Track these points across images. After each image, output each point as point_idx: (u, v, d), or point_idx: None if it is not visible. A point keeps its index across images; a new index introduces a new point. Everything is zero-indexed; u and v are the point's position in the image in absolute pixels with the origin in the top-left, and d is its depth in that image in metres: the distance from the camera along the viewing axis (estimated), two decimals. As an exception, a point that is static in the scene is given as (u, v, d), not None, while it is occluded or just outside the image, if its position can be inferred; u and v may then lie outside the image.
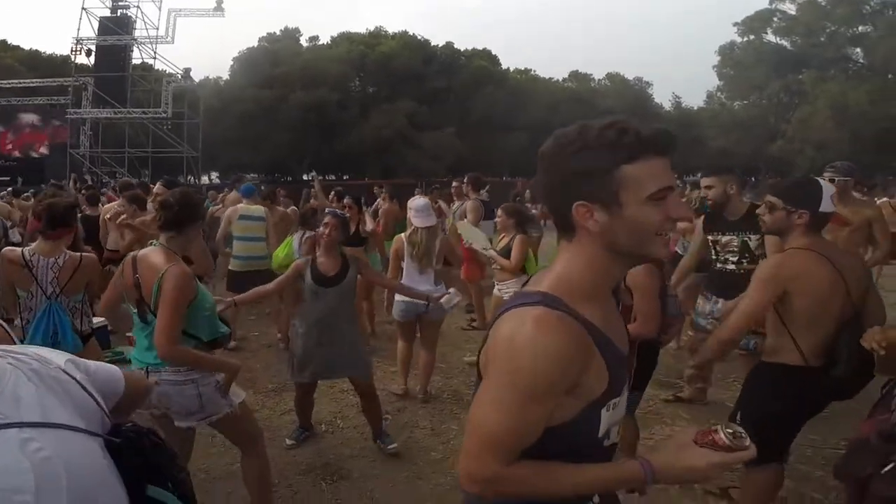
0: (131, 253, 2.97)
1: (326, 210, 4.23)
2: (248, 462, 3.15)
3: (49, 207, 3.41)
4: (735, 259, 4.20)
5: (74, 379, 1.15)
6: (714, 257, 4.38)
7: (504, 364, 1.24)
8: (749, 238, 4.11)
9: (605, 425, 1.31)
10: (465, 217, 7.15)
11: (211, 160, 34.06)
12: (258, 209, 6.76)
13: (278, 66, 37.11)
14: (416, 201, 5.20)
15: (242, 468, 3.17)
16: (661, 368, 5.56)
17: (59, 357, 1.18)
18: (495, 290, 5.61)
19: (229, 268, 6.72)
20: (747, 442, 1.23)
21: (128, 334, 6.26)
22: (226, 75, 40.65)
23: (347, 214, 4.22)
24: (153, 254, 2.82)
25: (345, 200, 7.01)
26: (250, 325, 7.47)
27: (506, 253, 5.42)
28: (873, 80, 35.19)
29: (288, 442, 4.27)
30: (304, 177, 34.44)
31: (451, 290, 4.54)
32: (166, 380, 2.76)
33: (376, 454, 4.16)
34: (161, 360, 2.73)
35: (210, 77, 39.85)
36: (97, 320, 4.59)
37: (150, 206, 5.92)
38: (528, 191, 11.80)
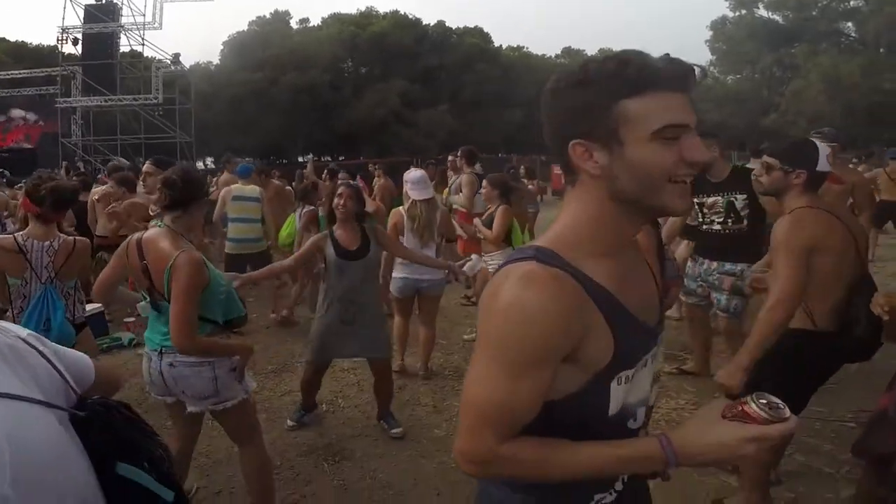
0: (135, 234, 2.82)
1: (339, 181, 4.11)
2: (248, 453, 3.01)
3: (55, 190, 3.28)
4: (721, 220, 4.27)
5: (35, 349, 1.07)
6: (700, 220, 4.44)
7: (489, 330, 1.12)
8: (735, 198, 4.17)
9: (616, 402, 1.16)
10: (461, 191, 7.09)
11: (205, 145, 33.74)
12: (253, 189, 6.62)
13: (269, 48, 36.79)
14: (412, 174, 5.07)
15: (242, 461, 3.05)
16: (663, 341, 5.58)
17: (21, 330, 1.11)
18: (482, 263, 5.56)
19: (226, 251, 6.61)
20: (786, 412, 1.05)
21: (125, 320, 6.29)
22: (216, 60, 40.36)
23: (361, 184, 4.15)
24: (160, 238, 2.68)
25: (339, 176, 6.90)
26: (248, 307, 7.33)
27: (489, 223, 5.34)
28: (865, 53, 34.98)
29: (289, 423, 4.22)
30: (300, 158, 34.29)
31: (474, 256, 4.55)
32: (182, 361, 2.69)
33: (379, 433, 4.11)
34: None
35: (200, 63, 39.54)
36: (91, 307, 4.52)
37: (139, 188, 5.78)
38: (522, 167, 11.62)
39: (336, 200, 3.94)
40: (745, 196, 4.12)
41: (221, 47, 39.88)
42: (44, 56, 32.12)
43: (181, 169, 2.86)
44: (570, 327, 1.08)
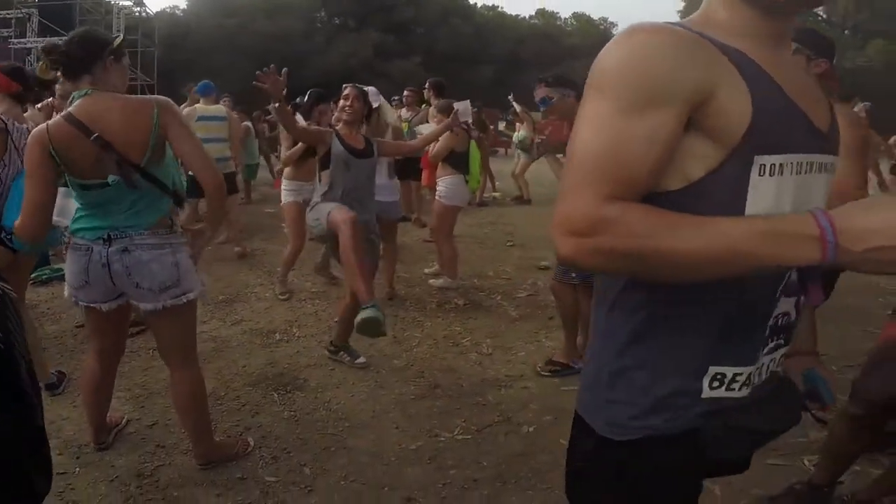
0: (41, 126, 2.28)
1: (344, 85, 3.84)
2: (182, 376, 2.60)
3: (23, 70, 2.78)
4: None
5: None
6: None
7: (594, 79, 0.92)
8: None
9: (761, 199, 0.89)
10: (428, 122, 6.85)
11: (169, 89, 32.74)
12: (218, 108, 6.34)
13: (240, -6, 35.74)
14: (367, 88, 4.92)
15: (174, 386, 2.64)
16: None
17: None
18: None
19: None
20: None
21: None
22: (183, 5, 38.97)
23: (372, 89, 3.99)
24: (98, 102, 2.24)
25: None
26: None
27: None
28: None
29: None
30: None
31: (467, 100, 4.81)
32: (143, 244, 2.34)
33: (335, 363, 3.81)
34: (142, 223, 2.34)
35: (166, 9, 38.21)
36: None
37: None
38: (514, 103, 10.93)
39: (342, 102, 3.81)
40: None
41: (189, -9, 38.48)
42: (-1, 1, 30.64)
43: (74, 35, 2.36)
44: (697, 62, 0.87)
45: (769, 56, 0.94)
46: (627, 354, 1.02)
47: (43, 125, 2.30)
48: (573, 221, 0.86)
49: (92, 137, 2.21)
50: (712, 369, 0.99)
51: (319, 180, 3.76)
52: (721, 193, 0.90)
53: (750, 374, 1.01)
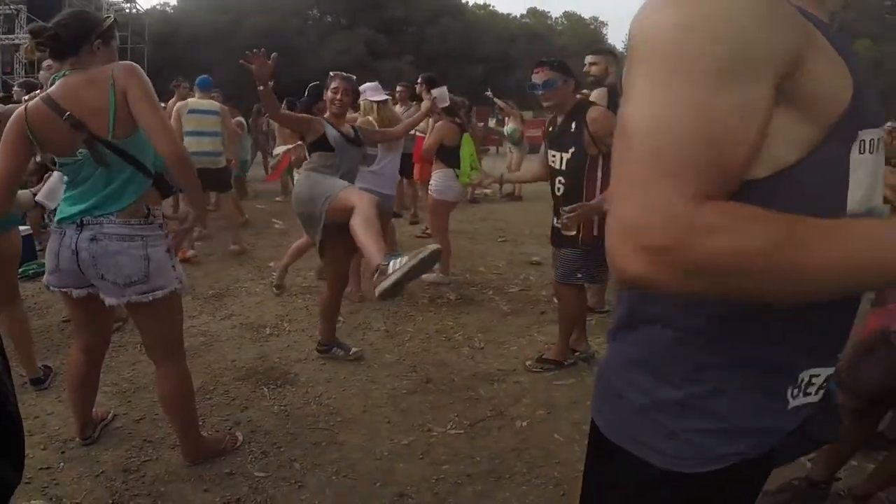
0: (34, 101, 2.25)
1: (332, 74, 3.77)
2: (168, 373, 2.53)
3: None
4: None
5: None
6: None
7: (648, 47, 0.71)
8: None
9: (860, 183, 0.77)
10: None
11: (159, 87, 32.25)
12: (211, 103, 6.27)
13: (232, -11, 35.55)
14: (366, 84, 4.92)
15: (158, 380, 2.57)
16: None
17: None
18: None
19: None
20: None
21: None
22: (173, 1, 38.71)
23: (354, 77, 3.88)
24: (72, 80, 2.21)
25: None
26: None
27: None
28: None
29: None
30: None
31: (444, 87, 4.81)
32: (111, 234, 2.23)
33: (326, 358, 3.76)
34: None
35: (157, 6, 37.96)
36: (22, 228, 4.05)
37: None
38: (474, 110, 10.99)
39: (332, 95, 3.73)
40: None
41: (180, -12, 38.25)
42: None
43: (59, 18, 2.30)
44: (786, 25, 0.70)
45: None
46: (698, 380, 0.86)
47: (22, 106, 2.27)
48: (649, 231, 0.64)
49: (64, 116, 2.18)
50: (800, 375, 0.88)
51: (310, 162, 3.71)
52: (819, 177, 0.75)
53: (828, 376, 0.91)
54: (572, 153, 3.30)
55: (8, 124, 2.25)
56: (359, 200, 3.31)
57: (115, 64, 2.22)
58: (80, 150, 2.22)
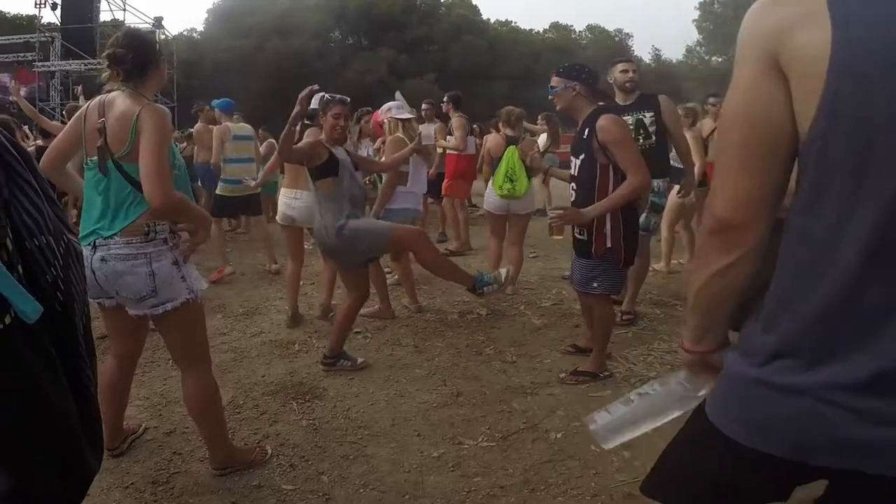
0: (96, 98, 2.47)
1: (329, 97, 3.76)
2: (192, 379, 2.55)
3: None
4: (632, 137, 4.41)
5: None
6: None
7: None
8: (643, 115, 4.38)
9: None
10: (449, 135, 6.94)
11: (188, 112, 33.19)
12: (247, 127, 6.40)
13: (254, 15, 36.22)
14: (391, 102, 4.99)
15: (184, 389, 2.59)
16: (653, 288, 5.27)
17: None
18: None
19: (217, 192, 6.23)
20: None
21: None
22: (200, 27, 39.60)
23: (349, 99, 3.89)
24: (121, 97, 2.36)
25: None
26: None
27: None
28: None
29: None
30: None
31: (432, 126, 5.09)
32: (116, 255, 2.31)
33: (354, 373, 3.72)
34: (117, 231, 2.33)
35: (184, 32, 38.84)
36: None
37: None
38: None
39: (333, 121, 3.75)
40: (651, 114, 4.36)
41: (206, 15, 39.22)
42: (22, 27, 31.45)
43: (126, 36, 2.43)
44: None
45: None
46: None
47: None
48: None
49: (98, 121, 2.33)
50: None
51: (325, 193, 3.69)
52: None
53: None
54: (582, 160, 3.34)
55: (82, 109, 2.49)
56: (420, 241, 3.71)
57: (145, 104, 2.30)
58: (92, 158, 2.37)
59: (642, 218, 4.40)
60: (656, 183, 4.38)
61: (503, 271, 3.95)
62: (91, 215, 2.40)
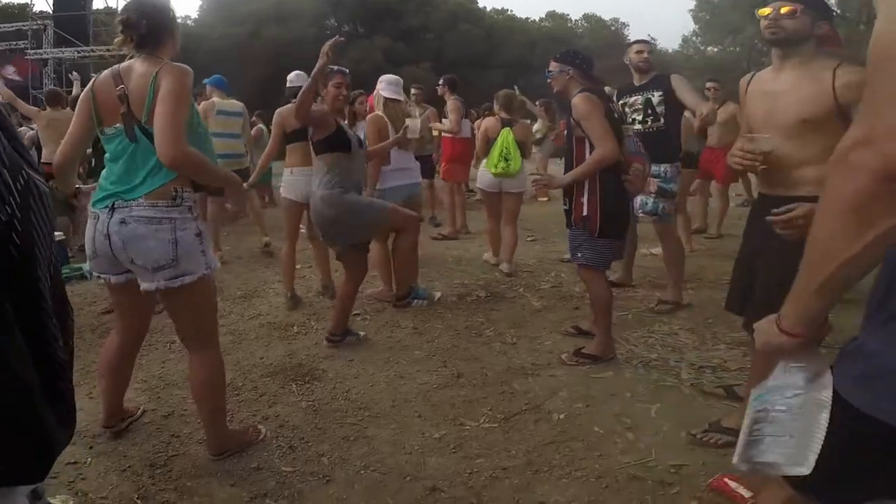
0: (109, 69, 2.41)
1: (331, 67, 3.67)
2: (202, 362, 2.49)
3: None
4: (640, 118, 4.44)
5: None
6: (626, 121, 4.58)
7: None
8: (652, 95, 4.37)
9: None
10: (445, 118, 6.91)
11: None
12: (235, 103, 6.25)
13: (249, 2, 35.86)
14: (387, 76, 4.99)
15: (191, 368, 2.53)
16: (653, 271, 5.24)
17: None
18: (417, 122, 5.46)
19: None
20: None
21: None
22: (195, 15, 39.35)
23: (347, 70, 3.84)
24: (137, 63, 2.33)
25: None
26: (221, 239, 6.90)
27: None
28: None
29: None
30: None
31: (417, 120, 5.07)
32: (139, 216, 2.22)
33: (354, 354, 3.69)
34: (157, 180, 2.27)
35: (179, 20, 38.46)
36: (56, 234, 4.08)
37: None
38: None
39: (335, 91, 3.77)
40: (660, 93, 4.34)
41: (200, 2, 38.98)
42: (14, 15, 31.09)
43: (139, 2, 2.36)
44: None
45: None
46: None
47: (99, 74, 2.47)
48: None
49: (118, 87, 2.29)
50: None
51: (324, 166, 3.67)
52: None
53: None
54: (567, 135, 3.57)
55: (82, 95, 2.45)
56: (412, 223, 3.88)
57: (168, 63, 2.28)
58: (116, 125, 2.31)
59: (650, 203, 4.41)
60: (664, 168, 4.37)
61: (437, 294, 4.65)
62: (110, 178, 2.33)
